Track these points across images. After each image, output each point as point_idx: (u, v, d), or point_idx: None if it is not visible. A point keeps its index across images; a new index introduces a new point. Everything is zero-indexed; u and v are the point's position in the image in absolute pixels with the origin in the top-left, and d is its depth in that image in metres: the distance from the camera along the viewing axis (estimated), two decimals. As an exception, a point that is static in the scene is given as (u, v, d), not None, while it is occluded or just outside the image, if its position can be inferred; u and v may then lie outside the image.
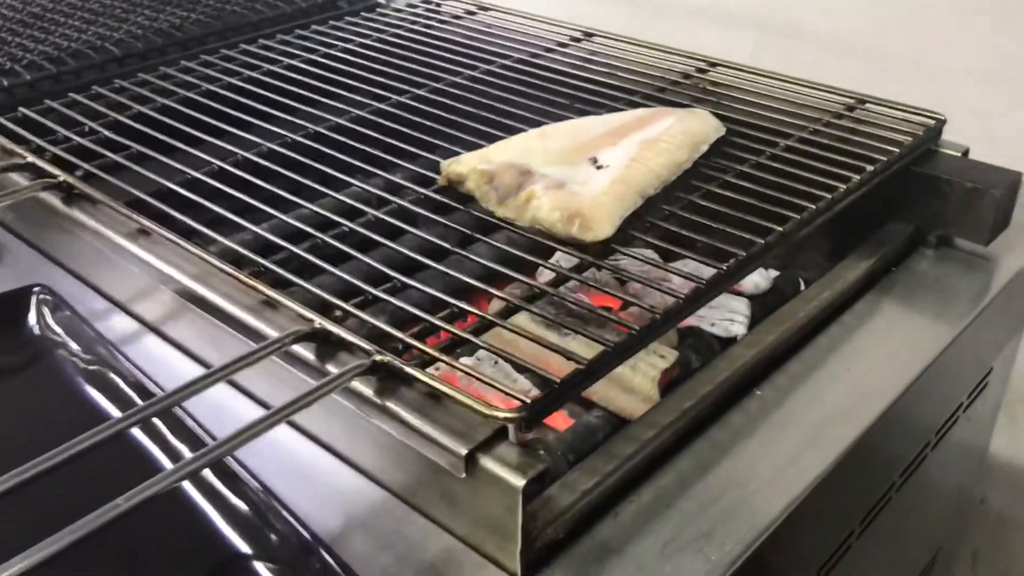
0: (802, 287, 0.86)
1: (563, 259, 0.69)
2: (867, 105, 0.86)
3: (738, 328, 0.82)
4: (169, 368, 0.67)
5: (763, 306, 0.83)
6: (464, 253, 0.64)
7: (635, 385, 0.71)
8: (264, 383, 0.63)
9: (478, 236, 0.66)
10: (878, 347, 0.69)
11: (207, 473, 0.54)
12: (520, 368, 0.57)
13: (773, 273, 0.90)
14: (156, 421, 0.56)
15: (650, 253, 0.76)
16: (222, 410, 0.63)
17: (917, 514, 0.85)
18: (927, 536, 0.97)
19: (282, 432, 0.61)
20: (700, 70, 0.94)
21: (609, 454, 0.58)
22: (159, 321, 0.72)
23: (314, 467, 0.59)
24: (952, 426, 0.83)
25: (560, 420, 0.73)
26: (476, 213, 0.69)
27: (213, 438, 0.57)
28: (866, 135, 0.80)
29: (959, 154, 0.82)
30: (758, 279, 0.87)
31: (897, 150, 0.77)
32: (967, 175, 0.78)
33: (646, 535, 0.54)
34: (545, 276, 0.70)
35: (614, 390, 0.72)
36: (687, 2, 1.43)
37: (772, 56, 1.35)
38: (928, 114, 0.83)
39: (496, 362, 0.75)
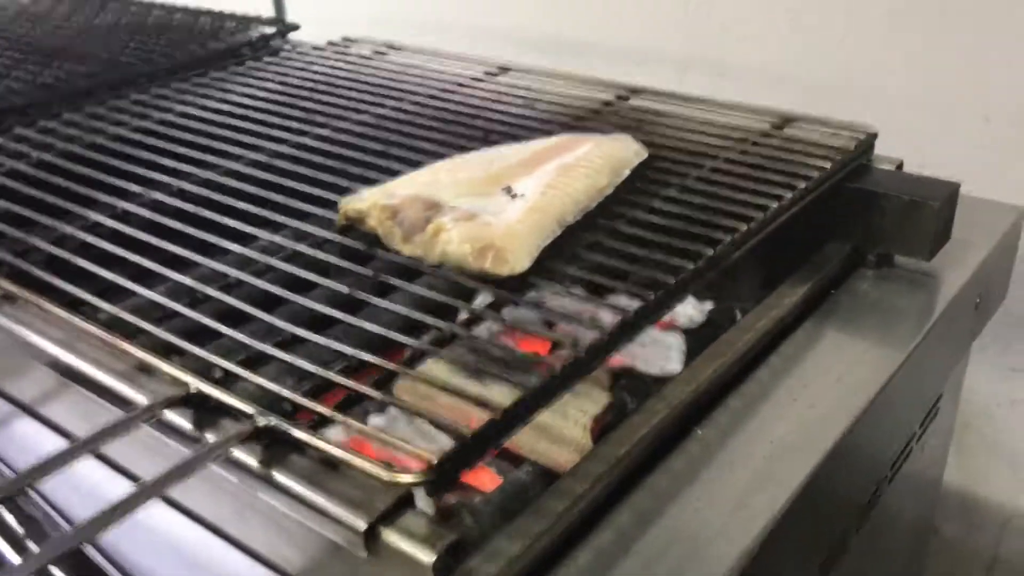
0: (739, 318, 0.81)
1: (484, 299, 0.63)
2: (795, 123, 0.82)
3: (674, 365, 0.76)
4: (39, 452, 0.59)
5: (699, 340, 0.78)
6: (372, 301, 0.57)
7: (566, 434, 0.64)
8: (143, 460, 0.55)
9: (385, 279, 0.59)
10: (823, 375, 0.64)
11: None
12: (440, 425, 0.50)
13: (708, 305, 0.85)
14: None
15: (575, 288, 0.71)
16: (95, 497, 0.55)
17: (877, 555, 0.80)
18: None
19: (164, 516, 0.53)
20: (620, 97, 0.90)
21: (539, 513, 0.51)
22: (32, 401, 0.63)
23: (203, 555, 0.52)
24: (907, 457, 0.78)
25: (487, 479, 0.66)
26: (383, 255, 0.62)
27: (67, 526, 0.49)
28: (796, 152, 0.76)
29: (893, 167, 0.79)
30: (692, 312, 0.82)
31: (828, 165, 0.72)
32: (903, 188, 0.74)
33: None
34: (463, 320, 0.64)
35: (544, 441, 0.66)
36: (604, 44, 1.41)
37: (697, 92, 1.33)
38: (859, 128, 0.79)
39: (411, 420, 0.68)
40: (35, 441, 0.60)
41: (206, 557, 0.51)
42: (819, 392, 0.62)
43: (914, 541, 1.01)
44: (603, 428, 0.63)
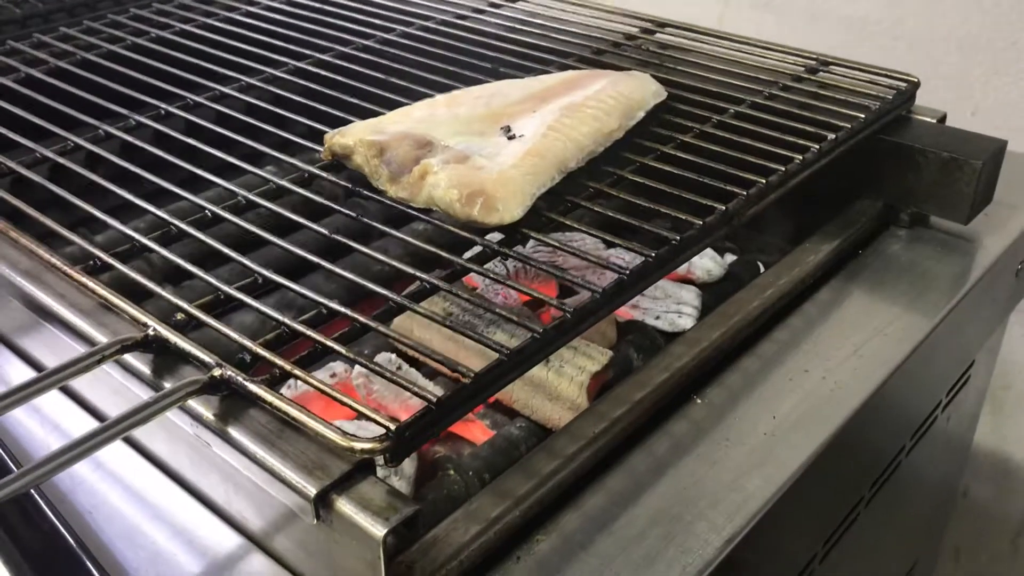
0: (762, 272, 0.76)
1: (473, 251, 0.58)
2: (830, 67, 0.75)
3: (686, 321, 0.72)
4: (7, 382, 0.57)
5: (716, 295, 0.73)
6: (357, 248, 0.53)
7: (562, 392, 0.61)
8: (106, 398, 0.52)
9: (369, 224, 0.55)
10: (841, 344, 0.59)
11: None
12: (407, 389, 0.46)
13: (728, 258, 0.80)
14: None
15: (576, 239, 0.66)
16: (59, 428, 0.53)
17: (890, 526, 0.76)
18: (903, 547, 0.88)
19: (121, 454, 0.51)
20: (645, 31, 0.84)
21: (510, 491, 0.47)
22: (8, 332, 0.61)
23: (158, 501, 0.49)
24: (930, 426, 0.73)
25: (479, 432, 0.63)
26: (368, 195, 0.58)
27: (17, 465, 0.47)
28: (829, 100, 0.70)
29: (935, 120, 0.72)
30: (711, 265, 0.77)
31: (863, 116, 0.66)
32: (944, 144, 0.67)
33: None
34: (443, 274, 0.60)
35: (538, 397, 0.62)
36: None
37: (739, 26, 1.25)
38: (899, 76, 0.73)
39: (400, 366, 0.64)
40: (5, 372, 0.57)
41: (166, 505, 0.48)
42: (834, 364, 0.57)
43: (936, 506, 0.97)
44: (603, 387, 0.60)
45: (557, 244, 0.54)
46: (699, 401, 0.55)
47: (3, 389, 0.43)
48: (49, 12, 0.94)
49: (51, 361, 0.57)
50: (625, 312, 0.70)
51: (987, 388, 0.96)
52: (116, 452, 0.51)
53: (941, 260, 0.68)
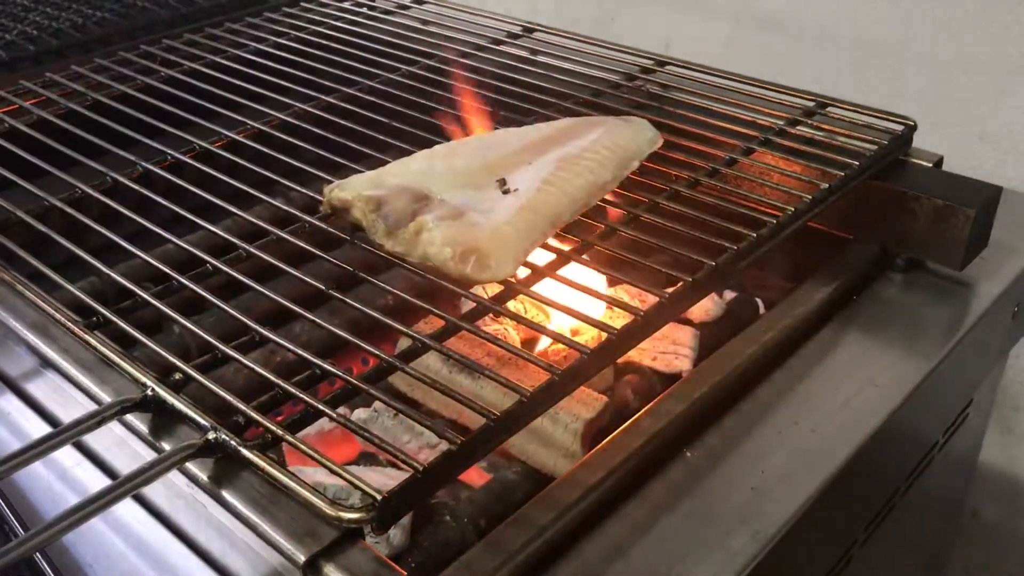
0: (761, 310, 0.77)
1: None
2: (828, 109, 0.76)
3: (683, 363, 0.73)
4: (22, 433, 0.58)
5: (715, 334, 0.74)
6: (347, 301, 0.54)
7: (556, 439, 0.62)
8: (108, 448, 0.54)
9: (363, 277, 0.57)
10: (831, 396, 0.60)
11: None
12: (395, 456, 0.47)
13: (729, 295, 0.81)
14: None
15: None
16: (65, 477, 0.54)
17: (889, 559, 0.76)
18: (907, 573, 0.88)
19: (125, 508, 0.52)
20: (645, 70, 0.85)
21: (506, 543, 0.48)
22: (17, 378, 0.62)
23: (158, 556, 0.50)
24: (927, 466, 0.73)
25: (475, 475, 0.64)
26: (366, 247, 0.59)
27: (25, 528, 0.48)
28: (824, 146, 0.70)
29: (931, 164, 0.73)
30: (709, 304, 0.78)
31: (857, 163, 0.67)
32: (938, 190, 0.68)
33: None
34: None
35: (533, 444, 0.63)
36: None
37: (748, 47, 1.26)
38: (897, 119, 0.73)
39: (395, 415, 0.65)
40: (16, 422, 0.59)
41: (165, 557, 0.50)
42: (823, 417, 0.58)
43: (939, 532, 0.97)
44: (599, 431, 0.61)
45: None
46: (689, 455, 0.56)
47: (14, 440, 0.45)
48: (62, 47, 0.96)
49: (58, 409, 0.59)
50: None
51: (990, 415, 0.97)
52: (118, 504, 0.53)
53: (936, 305, 0.68)
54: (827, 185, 0.65)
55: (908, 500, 0.71)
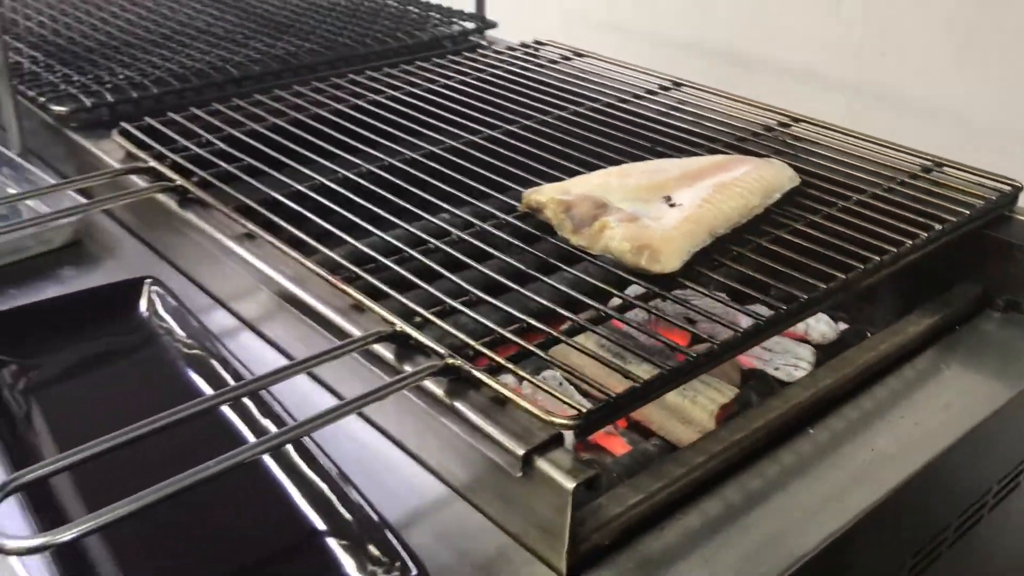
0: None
1: (634, 291, 0.73)
2: (944, 168, 0.88)
3: (801, 374, 0.84)
4: (262, 361, 0.73)
5: (828, 355, 0.85)
6: (541, 277, 0.68)
7: (694, 417, 0.74)
8: (347, 380, 0.68)
9: (554, 263, 0.71)
10: (933, 399, 0.71)
11: (291, 455, 0.59)
12: (592, 385, 0.60)
13: (841, 326, 0.92)
14: (246, 402, 0.62)
15: (718, 293, 0.80)
16: (307, 402, 0.68)
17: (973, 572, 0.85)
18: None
19: (359, 427, 0.66)
20: (782, 124, 0.98)
21: (659, 474, 0.61)
22: (256, 319, 0.78)
23: (386, 461, 0.64)
24: (1013, 489, 0.83)
25: (619, 446, 0.76)
26: (554, 241, 0.73)
27: (295, 421, 0.62)
28: (939, 196, 0.82)
29: (1035, 221, 0.84)
30: (825, 329, 0.89)
31: (968, 212, 0.79)
32: (1038, 242, 0.79)
33: (689, 552, 0.57)
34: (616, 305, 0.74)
35: (673, 421, 0.75)
36: (783, 62, 1.47)
37: (864, 120, 1.37)
38: (1005, 180, 0.84)
39: (561, 383, 0.79)
40: (268, 361, 0.74)
41: (390, 465, 0.63)
42: (926, 414, 0.69)
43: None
44: (727, 417, 0.73)
45: (707, 294, 0.68)
46: (810, 432, 0.67)
47: (259, 367, 0.59)
48: (279, 71, 1.14)
49: (296, 348, 0.74)
50: (748, 362, 0.83)
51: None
52: (348, 419, 0.67)
53: (1029, 342, 0.79)
54: (940, 227, 0.76)
55: (997, 514, 0.80)
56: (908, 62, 1.32)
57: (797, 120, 0.98)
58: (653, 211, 0.72)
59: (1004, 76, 1.21)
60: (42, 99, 1.02)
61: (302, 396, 0.69)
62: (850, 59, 1.39)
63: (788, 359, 0.85)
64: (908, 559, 0.71)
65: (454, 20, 1.34)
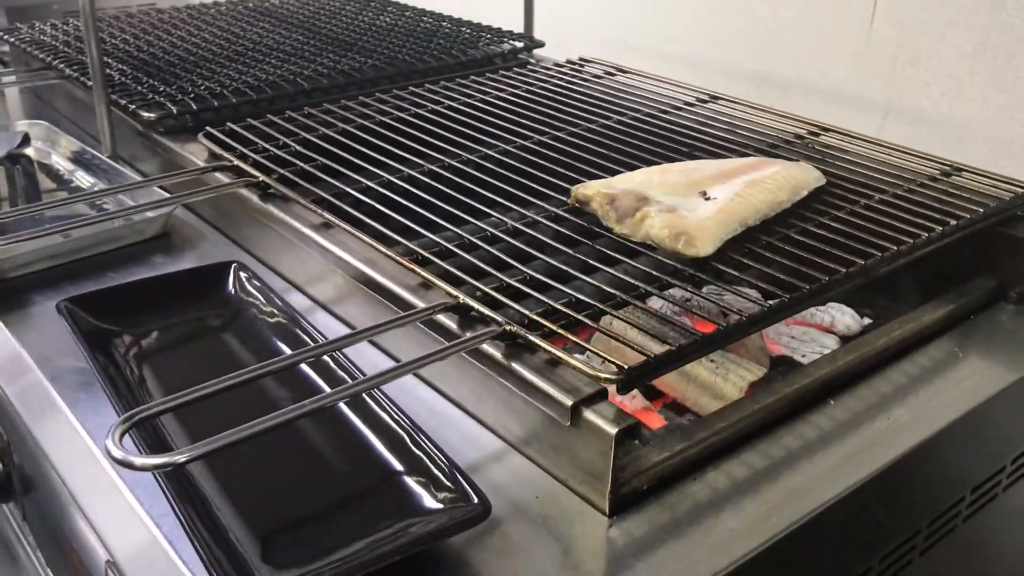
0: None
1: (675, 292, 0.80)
2: (963, 172, 0.94)
3: (825, 360, 0.91)
4: (337, 333, 0.82)
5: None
6: (593, 263, 0.76)
7: (725, 392, 0.81)
8: (415, 351, 0.76)
9: (603, 250, 0.79)
10: (948, 379, 0.77)
11: (370, 406, 0.67)
12: (633, 347, 0.67)
13: (866, 320, 0.98)
14: (327, 360, 0.71)
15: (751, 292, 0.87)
16: (377, 368, 0.76)
17: (980, 557, 0.91)
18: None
19: (425, 392, 0.75)
20: (812, 133, 1.05)
21: (691, 433, 0.68)
22: (330, 300, 0.87)
23: (448, 419, 0.72)
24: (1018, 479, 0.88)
25: (655, 421, 0.84)
26: (598, 230, 0.81)
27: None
28: (956, 196, 0.89)
29: (1046, 220, 0.90)
30: (850, 321, 0.96)
31: (982, 210, 0.85)
32: (1049, 238, 0.85)
33: (720, 500, 0.64)
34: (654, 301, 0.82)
35: (706, 397, 0.83)
36: (816, 84, 1.54)
37: (895, 139, 1.44)
38: (1019, 183, 0.91)
39: (603, 361, 0.86)
40: (334, 331, 0.83)
41: (451, 422, 0.71)
42: (939, 390, 0.76)
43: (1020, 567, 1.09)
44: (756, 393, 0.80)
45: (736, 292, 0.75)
46: (831, 402, 0.74)
47: (334, 337, 0.67)
48: (345, 84, 1.24)
49: (367, 323, 0.82)
50: (777, 349, 0.90)
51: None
52: (413, 385, 0.75)
53: (1040, 331, 0.85)
54: (955, 223, 0.83)
55: (1011, 493, 0.86)
56: (937, 82, 1.38)
57: (826, 130, 1.05)
58: (690, 204, 0.80)
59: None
60: (132, 107, 1.13)
61: (375, 366, 0.77)
62: (882, 79, 1.46)
63: (815, 348, 0.92)
64: (923, 526, 0.77)
65: (504, 39, 1.43)
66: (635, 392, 0.79)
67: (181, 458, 0.54)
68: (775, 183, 0.82)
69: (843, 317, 0.94)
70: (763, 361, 0.88)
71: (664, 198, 0.80)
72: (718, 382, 0.81)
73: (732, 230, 0.77)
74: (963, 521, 0.82)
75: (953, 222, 0.83)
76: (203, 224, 1.05)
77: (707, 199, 0.80)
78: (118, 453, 0.53)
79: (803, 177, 0.86)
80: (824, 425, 0.72)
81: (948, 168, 0.95)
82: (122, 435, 0.55)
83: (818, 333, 0.92)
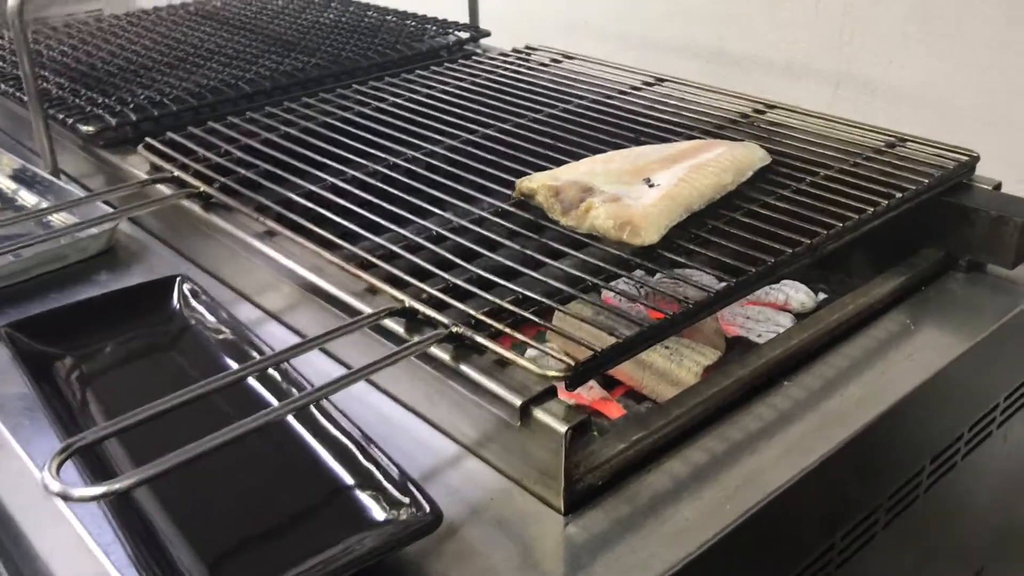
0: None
1: (622, 282, 0.80)
2: (907, 143, 0.94)
3: (781, 339, 0.91)
4: (286, 344, 0.80)
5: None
6: (540, 258, 0.76)
7: (680, 378, 0.81)
8: (364, 358, 0.75)
9: (548, 243, 0.78)
10: (902, 350, 0.77)
11: (318, 419, 0.66)
12: (581, 343, 0.67)
13: (821, 296, 0.98)
14: (273, 374, 0.69)
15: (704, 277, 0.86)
16: (327, 377, 0.75)
17: (944, 525, 0.91)
18: (964, 552, 1.02)
19: (376, 398, 0.74)
20: (757, 111, 1.05)
21: (645, 424, 0.68)
22: (278, 310, 0.85)
23: (401, 426, 0.71)
24: (986, 428, 0.88)
25: (615, 411, 0.83)
26: (545, 224, 0.80)
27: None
28: (901, 168, 0.89)
29: (990, 188, 0.90)
30: (804, 298, 0.96)
31: (926, 180, 0.85)
32: (993, 205, 0.85)
33: (676, 490, 0.64)
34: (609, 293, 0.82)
35: (663, 384, 0.82)
36: (770, 56, 1.54)
37: (847, 109, 1.44)
38: (963, 151, 0.91)
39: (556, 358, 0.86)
40: (284, 341, 0.81)
41: (403, 427, 0.70)
42: (891, 364, 0.76)
43: (1000, 523, 1.10)
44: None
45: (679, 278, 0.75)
46: (786, 384, 0.74)
47: (285, 346, 0.66)
48: (288, 85, 1.22)
49: (316, 331, 0.81)
50: (732, 330, 0.90)
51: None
52: (365, 392, 0.74)
53: (990, 297, 0.85)
54: (900, 195, 0.83)
55: (966, 465, 0.86)
56: (885, 51, 1.39)
57: (772, 107, 1.05)
58: (634, 192, 0.79)
59: (985, 65, 1.27)
60: (71, 121, 1.10)
61: (326, 375, 0.76)
62: (832, 50, 1.46)
63: (770, 327, 0.92)
64: (884, 499, 0.77)
65: (449, 31, 1.41)
66: (592, 383, 0.78)
67: (121, 486, 0.53)
68: (719, 165, 0.82)
69: (797, 295, 0.94)
70: (718, 344, 0.88)
71: (608, 187, 0.80)
72: (673, 368, 0.81)
73: (677, 216, 0.77)
74: (925, 491, 0.82)
75: (898, 195, 0.83)
76: (150, 238, 1.03)
77: (651, 186, 0.80)
78: (55, 486, 0.52)
79: (748, 157, 0.86)
80: (781, 406, 0.72)
81: (893, 139, 0.95)
82: (59, 466, 0.53)
83: (773, 312, 0.92)
